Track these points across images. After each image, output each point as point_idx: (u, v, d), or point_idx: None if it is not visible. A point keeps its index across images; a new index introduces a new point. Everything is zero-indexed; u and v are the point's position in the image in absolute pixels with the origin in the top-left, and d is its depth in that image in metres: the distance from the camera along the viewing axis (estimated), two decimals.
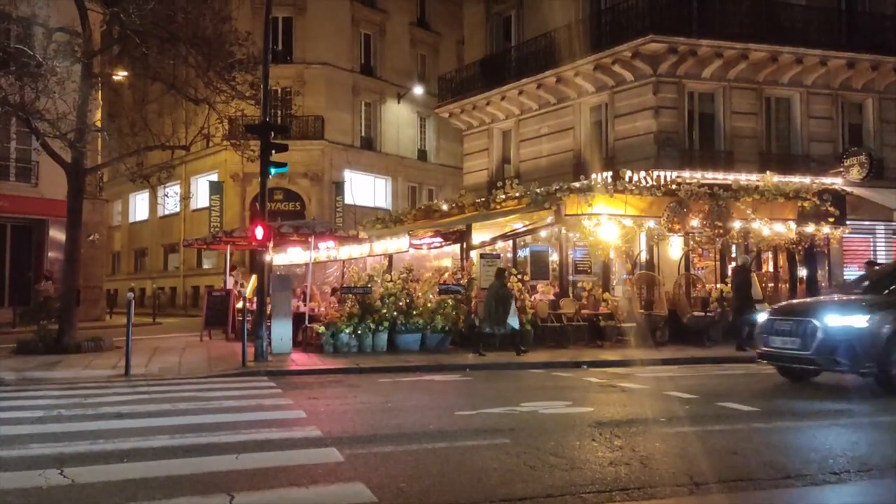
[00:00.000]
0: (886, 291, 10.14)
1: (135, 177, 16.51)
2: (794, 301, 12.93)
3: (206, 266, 35.02)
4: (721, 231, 16.71)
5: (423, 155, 38.79)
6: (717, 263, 18.20)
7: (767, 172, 18.65)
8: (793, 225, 17.59)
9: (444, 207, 19.87)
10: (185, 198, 32.23)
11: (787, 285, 18.97)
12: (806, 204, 17.87)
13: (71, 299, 15.51)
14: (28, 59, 14.18)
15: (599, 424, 7.22)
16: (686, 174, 18.96)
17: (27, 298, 23.20)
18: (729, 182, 17.99)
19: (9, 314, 20.95)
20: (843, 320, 9.48)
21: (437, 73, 34.16)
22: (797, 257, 18.78)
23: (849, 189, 20.66)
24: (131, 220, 42.73)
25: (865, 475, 5.42)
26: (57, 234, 23.44)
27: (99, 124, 18.26)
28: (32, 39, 14.85)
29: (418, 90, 36.01)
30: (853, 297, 10.56)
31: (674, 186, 16.88)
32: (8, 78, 14.51)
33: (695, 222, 16.55)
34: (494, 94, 25.10)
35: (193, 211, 34.89)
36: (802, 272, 19.15)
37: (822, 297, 13.38)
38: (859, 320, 9.38)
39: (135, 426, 7.11)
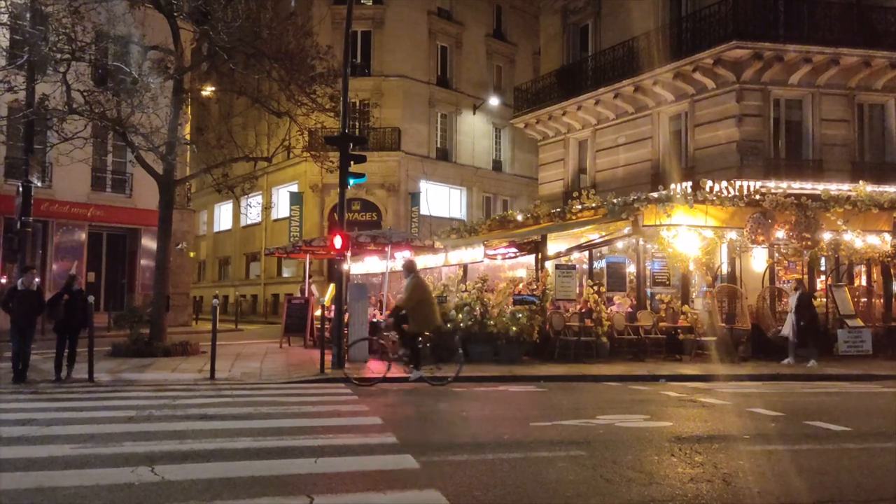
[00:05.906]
0: None
1: (220, 187, 17.20)
2: None
3: (285, 275, 36.01)
4: (809, 243, 16.04)
5: (497, 165, 38.84)
6: (805, 276, 17.46)
7: (860, 182, 17.78)
8: (888, 237, 16.72)
9: (519, 218, 19.82)
10: (267, 207, 33.27)
11: (882, 300, 18.04)
12: None
13: (161, 305, 16.22)
14: (125, 76, 15.03)
15: (679, 439, 7.05)
16: (771, 184, 18.29)
17: (121, 303, 24.41)
18: (818, 192, 17.21)
19: (104, 318, 22.06)
20: None
21: (512, 84, 34.18)
22: (892, 271, 17.84)
23: None
24: (216, 229, 44.41)
25: None
26: (148, 243, 24.67)
27: (188, 137, 19.09)
28: (129, 57, 15.72)
29: (494, 101, 36.10)
30: None
31: (758, 197, 16.31)
32: (106, 94, 15.39)
33: (780, 234, 15.96)
34: (570, 104, 24.89)
35: (274, 221, 35.98)
36: None
37: None
38: None
39: (219, 428, 7.38)
